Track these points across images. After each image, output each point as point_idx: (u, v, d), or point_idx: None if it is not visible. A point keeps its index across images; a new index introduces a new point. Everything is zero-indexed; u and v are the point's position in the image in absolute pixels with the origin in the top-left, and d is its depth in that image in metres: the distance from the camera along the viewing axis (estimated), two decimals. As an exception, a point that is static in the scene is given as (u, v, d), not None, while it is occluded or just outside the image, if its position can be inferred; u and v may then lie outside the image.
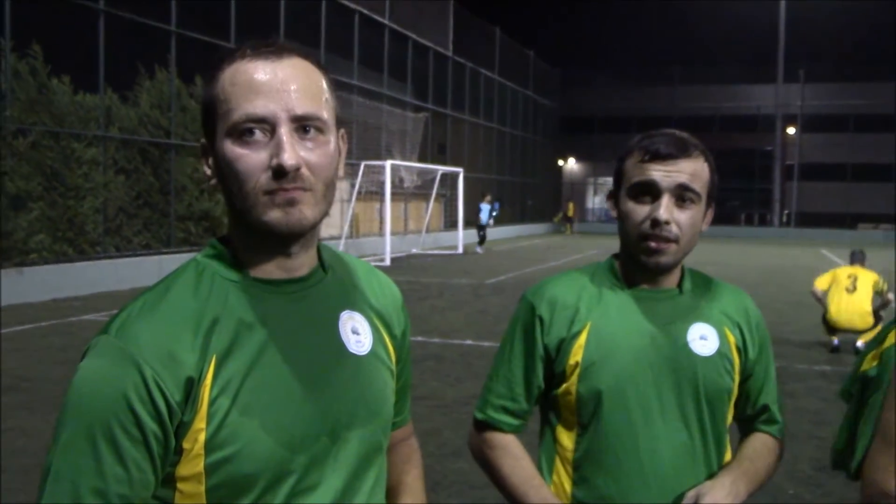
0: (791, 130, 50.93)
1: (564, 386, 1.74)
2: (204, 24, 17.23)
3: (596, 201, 53.28)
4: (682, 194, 1.68)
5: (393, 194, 23.50)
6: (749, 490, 1.72)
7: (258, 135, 1.17)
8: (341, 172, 1.27)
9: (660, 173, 1.68)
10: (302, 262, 1.27)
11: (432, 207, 28.20)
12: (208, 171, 1.25)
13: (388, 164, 22.32)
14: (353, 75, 24.66)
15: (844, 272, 10.06)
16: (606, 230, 42.19)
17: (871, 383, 1.71)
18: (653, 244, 1.68)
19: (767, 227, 46.86)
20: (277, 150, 1.16)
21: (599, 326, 1.73)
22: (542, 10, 53.30)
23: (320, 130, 1.20)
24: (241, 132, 1.17)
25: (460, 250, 26.03)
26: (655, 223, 1.66)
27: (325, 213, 1.23)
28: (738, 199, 53.10)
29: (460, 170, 27.12)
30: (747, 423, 1.88)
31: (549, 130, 46.70)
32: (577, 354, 1.72)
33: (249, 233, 1.22)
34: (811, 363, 9.12)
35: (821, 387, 7.99)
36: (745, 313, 1.82)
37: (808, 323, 11.80)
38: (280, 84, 1.18)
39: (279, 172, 1.15)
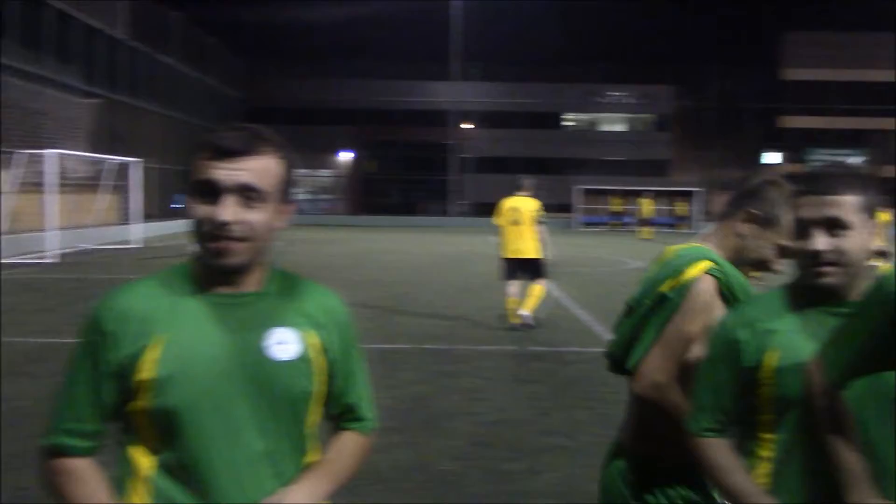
0: (466, 125, 54.12)
1: (138, 403, 1.66)
2: None
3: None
4: (247, 194, 1.64)
5: (62, 186, 21.78)
6: (331, 488, 1.76)
7: None
8: None
9: (222, 172, 1.63)
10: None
11: (106, 200, 26.47)
12: None
13: (52, 153, 20.63)
14: (5, 55, 22.41)
15: (507, 205, 10.74)
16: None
17: (667, 302, 2.32)
18: (217, 245, 1.63)
19: (445, 217, 49.39)
20: None
21: (173, 339, 1.66)
22: (227, -3, 52.00)
23: None
24: None
25: (136, 245, 24.69)
26: (219, 223, 1.62)
27: None
28: (418, 190, 55.47)
29: (135, 160, 25.70)
30: (335, 422, 1.90)
31: (236, 121, 45.72)
32: (149, 370, 1.64)
33: None
34: (475, 343, 9.69)
35: (482, 366, 8.50)
36: (330, 314, 1.82)
37: (474, 306, 12.54)
38: None
39: None
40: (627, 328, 2.44)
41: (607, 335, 10.27)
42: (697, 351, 2.27)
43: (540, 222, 10.65)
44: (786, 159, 57.61)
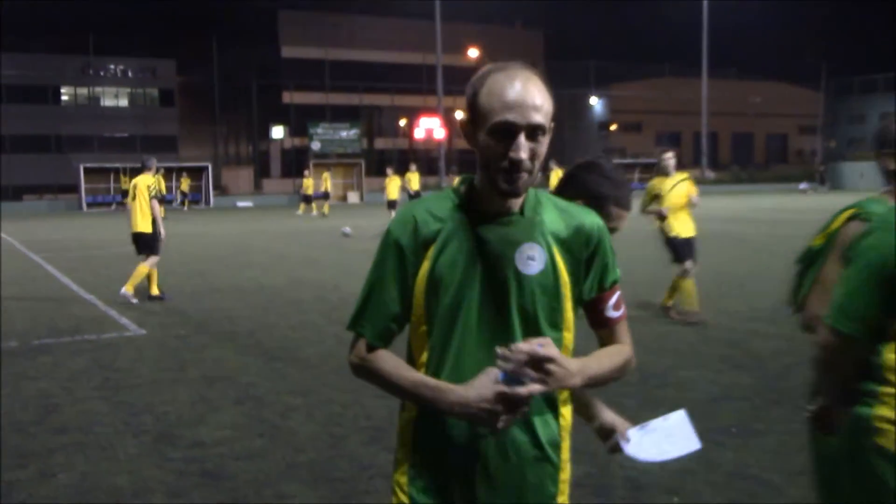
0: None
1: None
2: None
3: None
4: None
5: None
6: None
7: None
8: None
9: None
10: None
11: None
12: None
13: None
14: None
15: (131, 183, 11.38)
16: None
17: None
18: None
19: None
20: None
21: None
22: None
23: None
24: None
25: None
26: None
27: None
28: None
29: None
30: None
31: None
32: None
33: None
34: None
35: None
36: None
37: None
38: None
39: None
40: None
41: (123, 320, 9.76)
42: None
43: (153, 198, 11.26)
44: (290, 132, 60.14)
